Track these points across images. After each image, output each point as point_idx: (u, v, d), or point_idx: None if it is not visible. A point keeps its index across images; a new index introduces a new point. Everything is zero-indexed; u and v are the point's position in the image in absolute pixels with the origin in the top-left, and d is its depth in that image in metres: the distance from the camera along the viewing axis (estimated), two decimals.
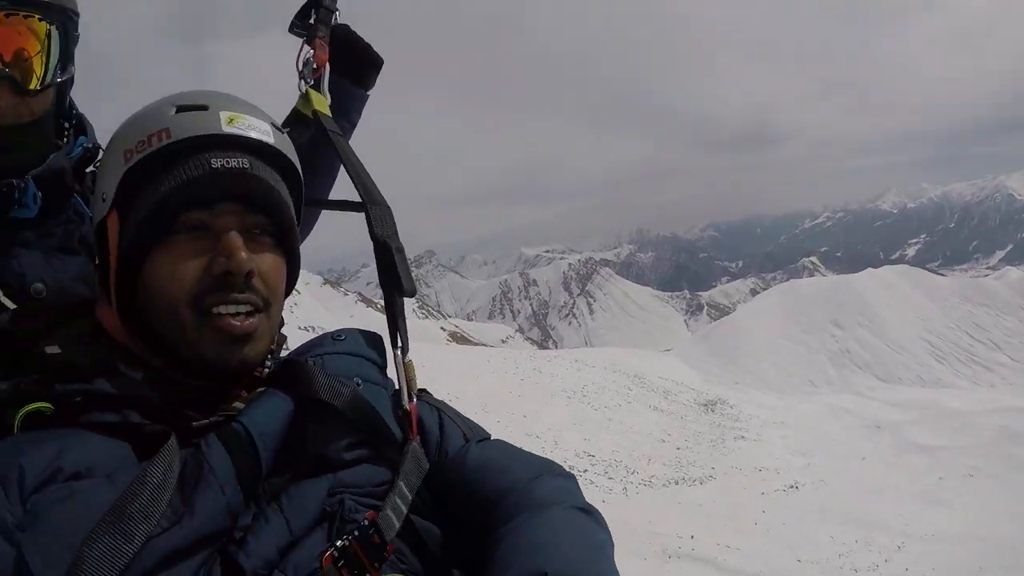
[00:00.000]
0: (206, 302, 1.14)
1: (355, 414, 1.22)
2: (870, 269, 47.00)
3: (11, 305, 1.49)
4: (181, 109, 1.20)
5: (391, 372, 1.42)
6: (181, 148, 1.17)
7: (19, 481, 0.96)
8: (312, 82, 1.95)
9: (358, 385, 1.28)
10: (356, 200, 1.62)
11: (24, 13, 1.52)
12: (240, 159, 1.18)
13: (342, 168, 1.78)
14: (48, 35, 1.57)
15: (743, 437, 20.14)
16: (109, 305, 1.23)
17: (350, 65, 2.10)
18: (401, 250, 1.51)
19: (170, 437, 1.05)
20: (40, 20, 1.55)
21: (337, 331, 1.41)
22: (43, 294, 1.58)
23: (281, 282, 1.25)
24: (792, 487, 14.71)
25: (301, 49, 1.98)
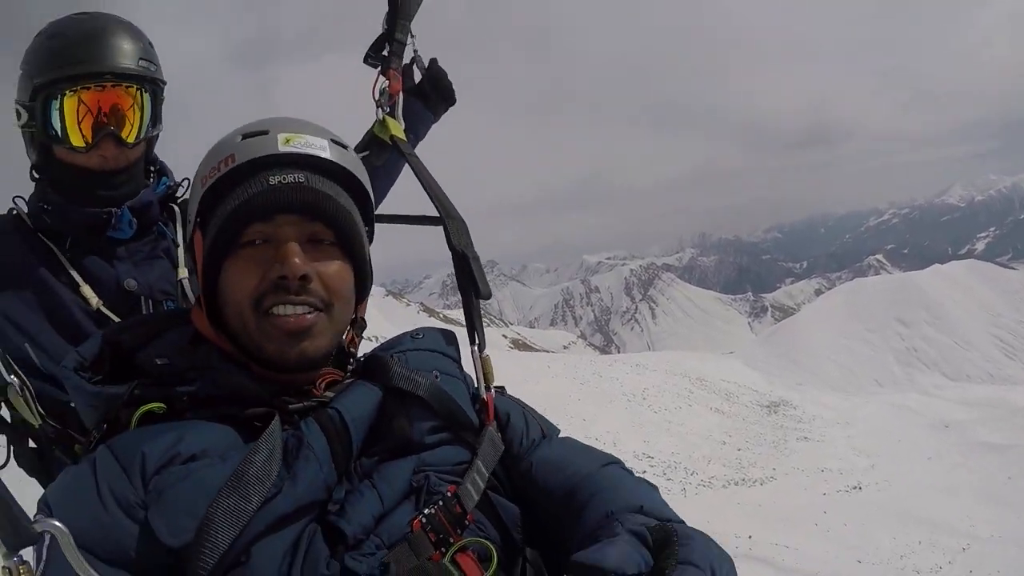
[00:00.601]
0: (265, 303, 1.24)
1: (435, 402, 1.33)
2: (936, 265, 45.29)
3: (95, 299, 1.94)
4: (246, 136, 1.31)
5: (467, 366, 1.54)
6: (244, 170, 1.28)
7: (141, 466, 1.10)
8: (388, 109, 2.11)
9: (436, 377, 1.39)
10: (433, 215, 1.75)
11: (125, 84, 1.93)
12: (295, 174, 1.27)
13: (413, 183, 1.92)
14: (142, 101, 1.98)
15: (806, 438, 19.68)
16: (201, 310, 1.36)
17: (430, 94, 2.33)
18: (477, 258, 1.62)
19: (275, 417, 1.19)
20: (136, 89, 1.96)
21: (416, 330, 1.53)
22: (135, 289, 2.02)
23: (343, 285, 1.32)
24: (855, 488, 14.30)
25: (377, 79, 2.15)
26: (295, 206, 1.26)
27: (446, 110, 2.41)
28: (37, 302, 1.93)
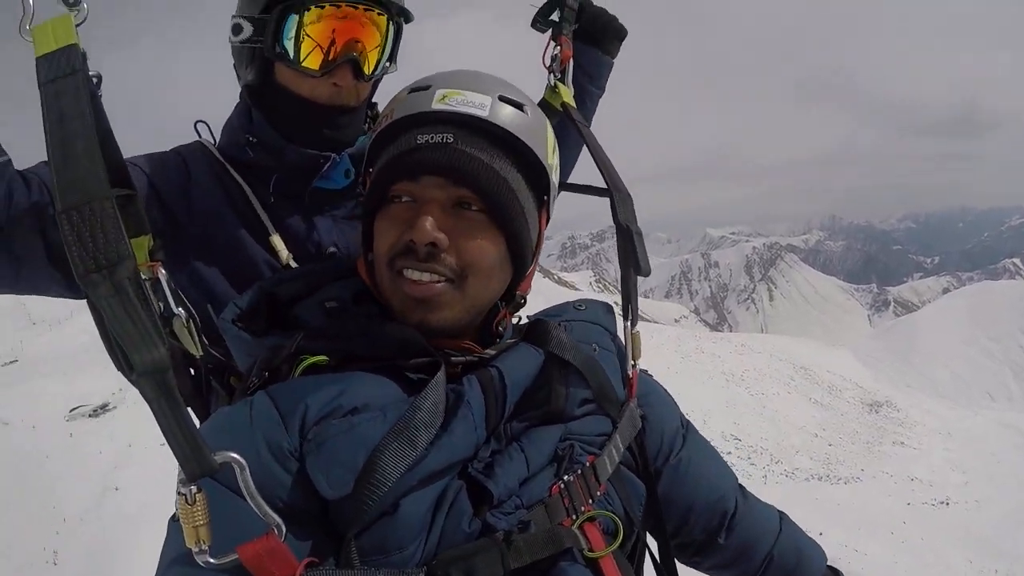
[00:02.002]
0: (397, 264, 1.21)
1: (589, 374, 1.32)
2: None
3: (285, 252, 1.72)
4: (412, 91, 1.26)
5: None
6: (401, 124, 1.24)
7: (303, 415, 1.08)
8: (559, 75, 2.01)
9: (594, 350, 1.40)
10: (601, 187, 1.64)
11: (377, 11, 1.70)
12: (445, 134, 1.20)
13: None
14: (387, 31, 1.75)
15: (903, 443, 18.65)
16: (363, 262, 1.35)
17: (598, 36, 2.18)
18: (640, 234, 1.54)
19: (440, 368, 1.17)
20: (386, 18, 1.73)
21: (578, 301, 1.54)
22: (337, 254, 1.80)
23: (483, 257, 1.22)
24: (943, 503, 13.48)
25: (547, 45, 2.04)
26: (438, 167, 1.20)
27: (619, 45, 2.25)
28: (218, 247, 1.74)
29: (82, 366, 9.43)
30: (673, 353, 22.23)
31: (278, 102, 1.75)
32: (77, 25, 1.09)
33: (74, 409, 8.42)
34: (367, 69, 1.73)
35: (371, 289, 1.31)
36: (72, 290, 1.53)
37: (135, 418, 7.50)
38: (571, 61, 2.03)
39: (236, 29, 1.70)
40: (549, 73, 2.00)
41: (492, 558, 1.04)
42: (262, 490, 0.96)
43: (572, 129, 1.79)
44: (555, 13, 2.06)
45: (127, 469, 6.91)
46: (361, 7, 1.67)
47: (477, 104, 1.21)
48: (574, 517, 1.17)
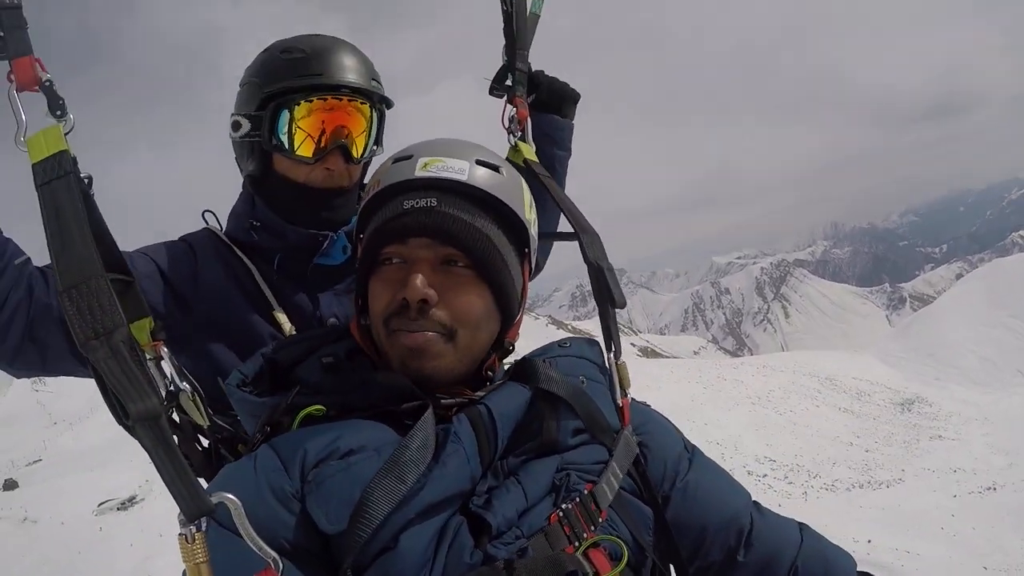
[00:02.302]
0: (392, 324, 1.28)
1: (578, 405, 1.34)
2: None
3: (288, 325, 1.87)
4: (396, 160, 1.35)
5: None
6: (387, 193, 1.32)
7: (302, 460, 1.14)
8: (519, 135, 2.16)
9: (582, 382, 1.42)
10: (569, 231, 1.78)
11: (360, 100, 1.89)
12: (429, 198, 1.28)
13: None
14: (371, 117, 1.93)
15: (940, 436, 18.35)
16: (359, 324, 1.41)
17: (554, 103, 2.35)
18: (611, 269, 1.66)
19: (428, 408, 1.22)
20: (369, 106, 1.92)
21: (563, 339, 1.57)
22: (338, 325, 1.86)
23: (471, 310, 1.30)
24: (989, 489, 13.21)
25: (504, 108, 2.19)
26: (425, 229, 1.28)
27: (574, 108, 2.40)
28: (226, 323, 1.87)
29: (106, 461, 9.44)
30: (695, 384, 22.05)
31: (277, 188, 1.92)
32: (66, 133, 1.26)
33: (102, 503, 8.48)
34: (356, 153, 1.91)
35: (364, 348, 1.38)
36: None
37: (165, 508, 7.55)
38: (528, 120, 2.19)
39: (235, 126, 1.90)
40: (508, 134, 2.16)
41: None
42: (266, 531, 1.03)
43: (536, 182, 1.86)
44: (508, 79, 2.23)
45: (160, 558, 6.88)
46: (345, 99, 1.86)
47: (456, 169, 1.30)
48: (576, 544, 1.18)
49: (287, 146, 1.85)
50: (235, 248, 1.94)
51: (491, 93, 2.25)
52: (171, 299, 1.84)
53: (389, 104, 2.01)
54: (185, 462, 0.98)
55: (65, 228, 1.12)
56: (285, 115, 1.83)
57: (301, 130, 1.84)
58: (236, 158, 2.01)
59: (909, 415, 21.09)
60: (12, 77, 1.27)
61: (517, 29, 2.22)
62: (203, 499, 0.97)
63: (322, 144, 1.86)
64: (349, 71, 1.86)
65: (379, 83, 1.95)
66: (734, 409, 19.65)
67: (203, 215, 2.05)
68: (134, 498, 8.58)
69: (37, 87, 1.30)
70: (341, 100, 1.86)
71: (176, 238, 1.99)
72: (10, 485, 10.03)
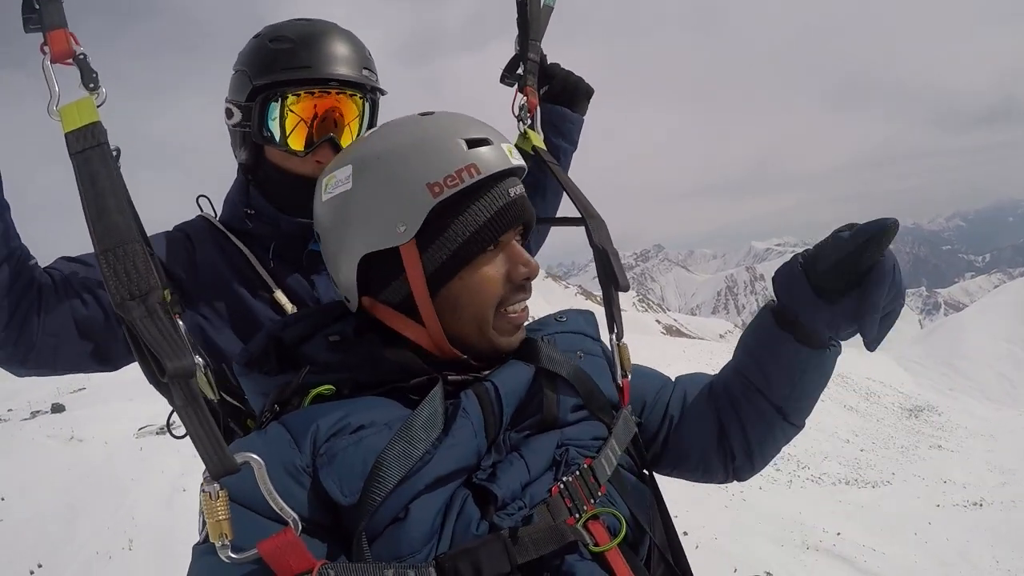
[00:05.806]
0: (509, 300, 1.31)
1: (577, 382, 1.37)
2: None
3: (289, 306, 1.84)
4: (471, 144, 1.26)
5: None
6: (486, 182, 1.27)
7: (313, 435, 1.12)
8: (528, 123, 2.16)
9: (580, 357, 1.45)
10: (576, 216, 1.78)
11: (349, 92, 1.84)
12: (520, 186, 1.33)
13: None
14: (363, 109, 1.89)
15: (940, 446, 18.24)
16: (381, 306, 1.35)
17: (566, 96, 2.34)
18: (616, 253, 1.66)
19: (438, 382, 1.23)
20: (359, 97, 1.87)
21: (559, 313, 1.60)
22: (338, 302, 1.73)
23: None
24: (976, 504, 13.14)
25: (515, 97, 2.19)
26: (527, 215, 1.33)
27: (587, 103, 2.40)
28: (226, 308, 1.84)
29: (146, 393, 10.03)
30: (704, 367, 21.63)
31: (270, 178, 1.89)
32: (98, 106, 1.25)
33: (142, 428, 9.04)
34: (345, 145, 1.81)
35: (379, 325, 1.36)
36: (101, 361, 1.72)
37: None
38: (538, 109, 2.22)
39: (228, 113, 1.87)
40: (518, 121, 2.15)
41: (497, 551, 1.07)
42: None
43: (545, 169, 1.94)
44: (519, 68, 2.25)
45: (194, 475, 7.32)
46: (334, 91, 1.82)
47: (517, 155, 1.34)
48: (577, 516, 1.19)
49: (276, 139, 1.82)
50: (230, 235, 1.92)
51: (502, 81, 2.27)
52: (171, 288, 1.87)
53: (381, 93, 1.97)
54: (213, 421, 0.99)
55: (100, 195, 1.14)
56: (274, 108, 1.80)
57: (290, 123, 1.82)
58: (231, 144, 1.98)
59: (914, 421, 20.93)
60: (46, 49, 1.28)
61: (530, 19, 2.24)
62: (229, 458, 0.98)
63: (312, 137, 1.83)
64: (339, 62, 1.82)
65: (372, 70, 1.90)
66: None
67: (197, 200, 2.03)
68: (172, 423, 9.18)
69: (71, 60, 1.30)
70: (328, 94, 1.82)
71: (171, 228, 1.97)
72: (57, 408, 10.70)
